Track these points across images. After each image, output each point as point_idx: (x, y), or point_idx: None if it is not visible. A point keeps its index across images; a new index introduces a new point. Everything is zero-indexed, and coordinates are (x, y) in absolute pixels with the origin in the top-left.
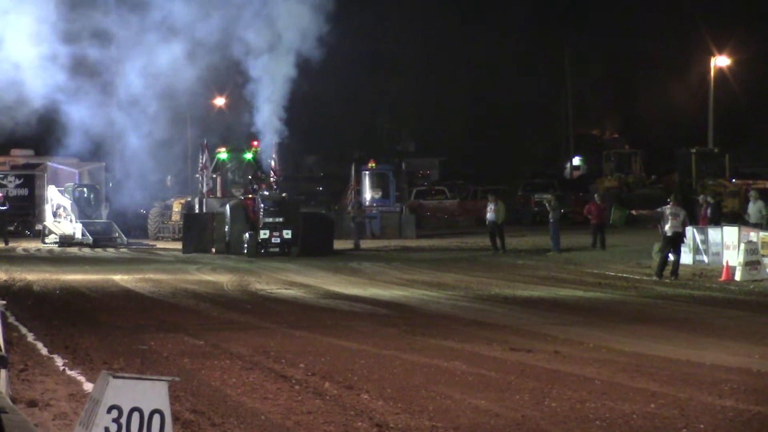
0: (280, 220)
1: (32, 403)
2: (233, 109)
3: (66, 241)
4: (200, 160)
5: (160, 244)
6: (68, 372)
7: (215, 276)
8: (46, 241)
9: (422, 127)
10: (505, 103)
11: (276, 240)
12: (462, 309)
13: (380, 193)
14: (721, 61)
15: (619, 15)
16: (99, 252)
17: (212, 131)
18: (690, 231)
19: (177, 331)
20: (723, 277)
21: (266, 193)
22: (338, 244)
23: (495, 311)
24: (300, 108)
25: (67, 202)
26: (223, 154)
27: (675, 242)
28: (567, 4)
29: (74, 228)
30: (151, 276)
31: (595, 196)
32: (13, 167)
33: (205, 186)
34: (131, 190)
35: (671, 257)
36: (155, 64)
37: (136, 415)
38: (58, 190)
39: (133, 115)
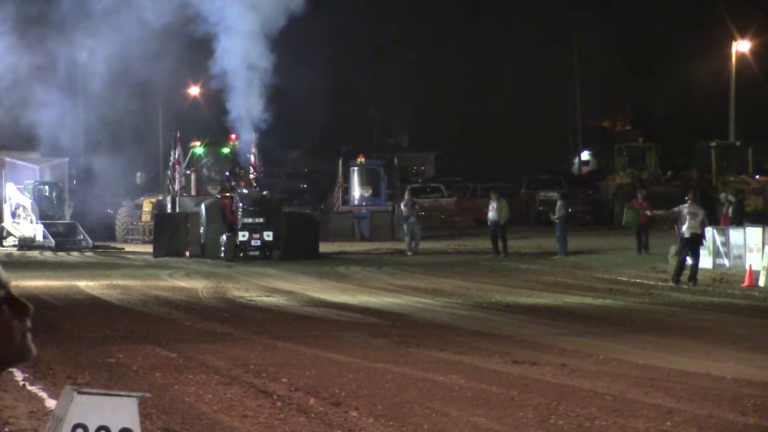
0: (261, 220)
1: None
2: (209, 98)
3: (26, 243)
4: (173, 155)
5: (128, 247)
6: (29, 387)
7: (189, 282)
8: (4, 243)
9: (416, 118)
10: (507, 93)
11: (256, 242)
12: (460, 318)
13: (370, 191)
14: (743, 46)
15: None
16: (62, 256)
17: (186, 123)
18: (710, 232)
19: (148, 343)
20: (746, 283)
21: (245, 191)
22: (324, 247)
23: (496, 320)
24: (282, 98)
25: (27, 201)
26: (198, 148)
27: (693, 244)
28: None
29: (35, 229)
30: (119, 282)
31: (638, 193)
32: None
33: (178, 183)
34: (97, 188)
35: (689, 261)
36: (116, 45)
37: None
38: (17, 188)
39: (98, 104)
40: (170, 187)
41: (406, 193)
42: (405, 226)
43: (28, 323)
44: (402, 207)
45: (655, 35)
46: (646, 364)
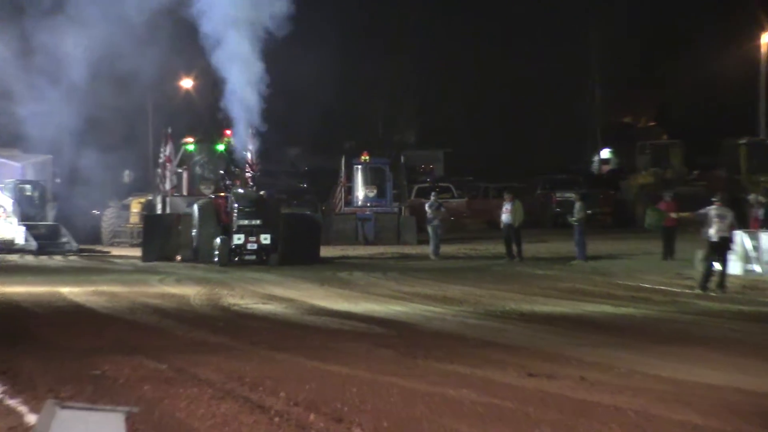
0: (257, 222)
1: None
2: (202, 92)
3: (5, 246)
4: (163, 153)
5: (115, 251)
6: (8, 401)
7: (180, 288)
8: None
9: (424, 113)
10: (521, 86)
11: (252, 246)
12: (471, 327)
13: (375, 191)
14: None
15: None
16: (44, 260)
17: (178, 118)
18: (739, 236)
19: (136, 353)
20: None
21: (241, 191)
22: (326, 251)
23: (510, 330)
24: (280, 91)
25: (7, 201)
26: (190, 144)
27: (721, 249)
28: None
29: (15, 232)
30: (106, 288)
31: (665, 194)
32: None
33: (168, 183)
34: (83, 187)
35: (717, 267)
36: (103, 34)
37: None
38: None
39: (84, 98)
40: (160, 186)
41: (432, 194)
42: (429, 229)
43: None
44: (426, 208)
45: (678, 25)
46: (670, 378)
